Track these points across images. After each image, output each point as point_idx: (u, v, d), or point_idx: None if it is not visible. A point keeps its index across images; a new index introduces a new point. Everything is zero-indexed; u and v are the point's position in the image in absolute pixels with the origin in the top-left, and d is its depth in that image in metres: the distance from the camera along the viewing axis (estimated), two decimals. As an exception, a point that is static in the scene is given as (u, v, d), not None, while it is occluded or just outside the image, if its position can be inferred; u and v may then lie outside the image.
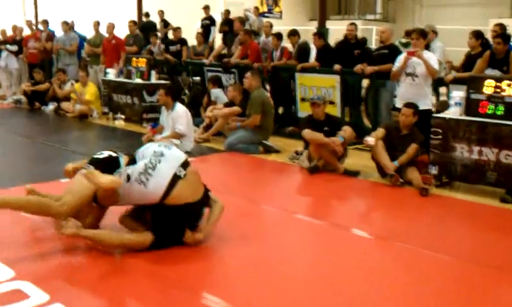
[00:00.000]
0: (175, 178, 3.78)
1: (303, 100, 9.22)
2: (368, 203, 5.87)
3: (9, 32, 14.23)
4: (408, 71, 6.85)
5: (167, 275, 3.59)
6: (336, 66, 8.63)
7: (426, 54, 6.82)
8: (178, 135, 7.38)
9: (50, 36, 12.84)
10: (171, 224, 3.88)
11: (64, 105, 10.97)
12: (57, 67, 12.26)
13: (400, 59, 6.97)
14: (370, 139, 6.27)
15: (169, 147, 4.02)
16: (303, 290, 3.46)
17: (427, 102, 6.84)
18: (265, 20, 11.14)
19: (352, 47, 8.83)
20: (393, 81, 7.34)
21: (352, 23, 9.15)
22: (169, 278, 3.56)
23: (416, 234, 4.61)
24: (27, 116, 11.04)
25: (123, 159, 4.15)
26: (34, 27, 14.34)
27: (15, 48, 13.25)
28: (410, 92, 6.79)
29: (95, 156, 4.21)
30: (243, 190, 5.88)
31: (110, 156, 4.20)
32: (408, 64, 6.82)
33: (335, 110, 8.54)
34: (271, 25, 10.77)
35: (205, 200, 4.03)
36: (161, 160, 3.82)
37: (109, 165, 4.04)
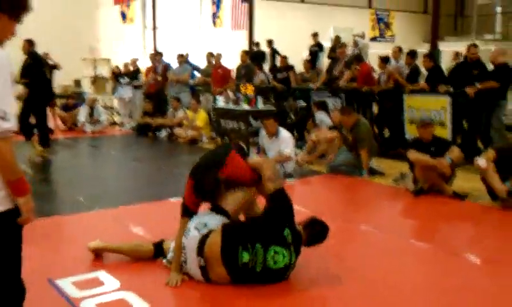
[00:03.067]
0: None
1: (411, 122, 8.98)
2: (478, 227, 5.54)
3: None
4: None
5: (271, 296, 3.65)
6: (442, 87, 8.35)
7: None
8: (286, 158, 7.45)
9: (166, 68, 13.58)
10: None
11: (177, 131, 11.53)
12: (169, 95, 12.93)
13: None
14: (481, 161, 5.93)
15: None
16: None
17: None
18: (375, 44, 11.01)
19: (471, 66, 8.46)
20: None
21: (475, 46, 8.78)
22: (273, 300, 3.61)
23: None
24: (142, 142, 11.68)
25: None
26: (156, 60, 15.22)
27: (125, 80, 14.18)
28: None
29: None
30: (346, 213, 5.81)
31: None
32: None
33: (445, 133, 8.20)
34: (400, 49, 10.55)
35: None
36: None
37: None
